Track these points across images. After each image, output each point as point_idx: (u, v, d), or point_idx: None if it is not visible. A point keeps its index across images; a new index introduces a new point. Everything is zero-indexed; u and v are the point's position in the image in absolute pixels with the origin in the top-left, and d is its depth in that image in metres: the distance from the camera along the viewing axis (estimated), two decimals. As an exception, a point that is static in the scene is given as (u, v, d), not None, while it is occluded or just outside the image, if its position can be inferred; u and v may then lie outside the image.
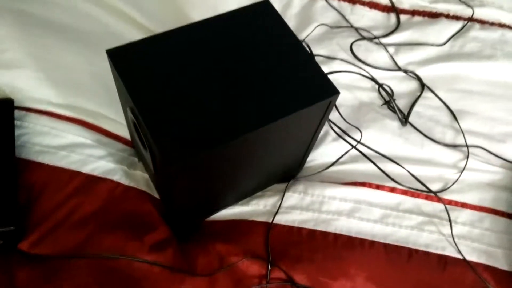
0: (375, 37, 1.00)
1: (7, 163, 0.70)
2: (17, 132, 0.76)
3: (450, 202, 0.80)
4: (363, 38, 0.99)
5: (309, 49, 0.94)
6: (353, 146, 0.81)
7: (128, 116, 0.64)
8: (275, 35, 0.64)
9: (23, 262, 0.66)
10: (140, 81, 0.56)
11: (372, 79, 0.93)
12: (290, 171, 0.80)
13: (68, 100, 0.81)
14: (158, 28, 0.92)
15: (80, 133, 0.79)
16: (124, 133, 0.82)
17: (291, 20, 1.02)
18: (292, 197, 0.77)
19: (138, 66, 0.57)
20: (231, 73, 0.59)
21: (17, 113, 0.78)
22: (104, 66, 0.85)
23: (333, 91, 0.59)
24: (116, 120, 0.82)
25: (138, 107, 0.55)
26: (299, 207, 0.76)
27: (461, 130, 0.88)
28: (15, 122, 0.76)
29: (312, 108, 0.59)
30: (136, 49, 0.59)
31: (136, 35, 0.91)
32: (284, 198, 0.77)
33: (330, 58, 0.95)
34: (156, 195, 0.77)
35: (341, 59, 0.95)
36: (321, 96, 0.59)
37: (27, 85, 0.80)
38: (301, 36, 0.99)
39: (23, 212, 0.69)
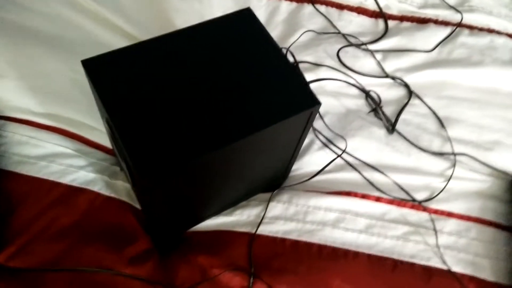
0: (363, 43, 0.99)
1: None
2: (-5, 142, 0.74)
3: (436, 212, 0.79)
4: (351, 44, 0.98)
5: (293, 57, 0.93)
6: (338, 155, 0.80)
7: (106, 127, 0.63)
8: (256, 44, 0.63)
9: (-1, 276, 0.65)
10: (115, 92, 0.55)
11: (359, 86, 0.92)
12: (274, 180, 0.79)
13: (48, 109, 0.80)
14: (143, 34, 0.91)
15: (61, 142, 0.77)
16: (106, 141, 0.81)
17: (278, 27, 1.01)
18: (276, 207, 0.76)
19: (114, 77, 0.56)
20: (210, 83, 0.58)
21: (-5, 123, 0.76)
22: (86, 74, 0.85)
23: (314, 102, 0.58)
24: (98, 129, 0.80)
25: (112, 119, 0.53)
26: (283, 217, 0.75)
27: (449, 138, 0.88)
28: (-6, 131, 0.75)
29: (293, 119, 0.58)
30: (112, 59, 0.58)
31: (120, 43, 0.90)
32: (268, 208, 0.76)
33: (317, 65, 0.94)
34: (138, 206, 0.75)
35: (328, 66, 0.93)
36: (302, 107, 0.57)
37: (7, 94, 0.79)
38: (288, 42, 0.98)
39: (0, 224, 0.67)
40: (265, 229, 0.74)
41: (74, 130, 0.79)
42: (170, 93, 0.56)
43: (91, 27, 0.91)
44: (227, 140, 0.54)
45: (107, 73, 0.56)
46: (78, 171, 0.75)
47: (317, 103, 0.58)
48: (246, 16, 0.66)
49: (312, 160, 0.82)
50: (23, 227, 0.68)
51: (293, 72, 0.61)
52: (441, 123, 0.90)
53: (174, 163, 0.51)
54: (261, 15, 1.02)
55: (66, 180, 0.73)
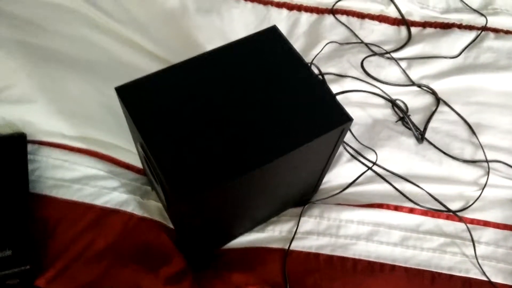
0: (386, 52, 0.98)
1: (20, 199, 0.70)
2: (30, 166, 0.76)
3: (472, 221, 0.78)
4: (374, 53, 0.98)
5: (319, 71, 0.93)
6: (369, 168, 0.79)
7: (139, 151, 0.63)
8: (284, 62, 0.63)
9: (39, 299, 0.66)
10: (149, 117, 0.56)
11: (385, 96, 0.91)
12: (305, 195, 0.78)
13: (79, 131, 0.81)
14: (165, 52, 0.92)
15: (93, 164, 0.78)
16: (136, 162, 0.82)
17: (299, 39, 1.01)
18: (308, 222, 0.76)
19: (146, 102, 0.57)
20: (242, 105, 0.58)
21: (30, 147, 0.78)
22: (114, 96, 0.86)
23: (346, 118, 0.58)
24: (127, 149, 0.81)
25: (147, 143, 0.54)
26: (315, 232, 0.75)
27: (480, 144, 0.86)
28: (28, 156, 0.77)
29: (325, 137, 0.57)
30: (144, 85, 0.59)
31: (143, 61, 0.91)
32: (299, 223, 0.75)
33: (341, 76, 0.93)
34: (170, 225, 0.76)
35: (352, 77, 0.93)
36: (334, 124, 0.57)
37: (38, 119, 0.80)
38: (311, 54, 0.98)
39: (38, 248, 0.69)
40: (298, 245, 0.74)
41: (105, 152, 0.80)
42: (203, 116, 0.57)
43: (113, 47, 0.92)
44: (262, 161, 0.54)
45: (140, 99, 0.57)
46: (111, 192, 0.76)
47: (349, 119, 0.58)
48: (272, 34, 0.66)
49: (341, 172, 0.81)
50: (61, 251, 0.69)
51: (322, 89, 0.61)
52: (471, 129, 0.88)
53: (209, 186, 0.52)
54: (282, 28, 1.02)
55: (100, 202, 0.74)
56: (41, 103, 0.81)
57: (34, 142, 0.79)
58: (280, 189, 0.68)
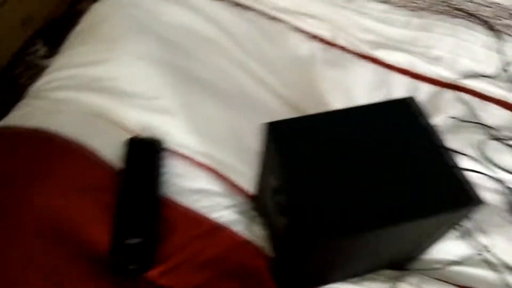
0: (506, 139, 0.98)
1: (153, 196, 0.79)
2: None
3: None
4: (494, 138, 0.98)
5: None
6: (479, 253, 0.79)
7: (268, 184, 0.69)
8: (419, 132, 0.66)
9: (148, 290, 0.73)
10: (291, 157, 0.62)
11: (501, 182, 0.90)
12: (404, 260, 0.79)
13: (205, 149, 0.89)
14: (295, 99, 0.99)
15: (211, 181, 0.86)
16: (249, 186, 0.88)
17: (419, 108, 1.04)
18: (404, 289, 0.76)
19: (291, 143, 0.63)
20: (372, 165, 0.62)
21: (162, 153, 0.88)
22: (242, 126, 0.94)
23: (477, 201, 0.59)
24: (244, 174, 0.88)
25: (287, 183, 0.59)
26: (410, 301, 0.75)
27: None
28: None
29: (452, 214, 0.60)
30: (291, 127, 0.65)
31: (272, 102, 0.99)
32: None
33: (458, 153, 0.94)
34: (270, 254, 0.80)
35: (469, 156, 0.93)
36: (463, 204, 0.59)
37: (175, 130, 0.90)
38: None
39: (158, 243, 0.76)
40: (390, 308, 0.74)
41: (224, 172, 0.87)
42: (339, 168, 0.61)
43: (247, 83, 1.01)
44: (389, 221, 0.57)
45: (286, 138, 0.63)
46: (224, 209, 0.82)
47: (479, 202, 0.60)
48: (409, 103, 0.70)
49: (445, 247, 0.80)
50: (174, 250, 0.76)
51: (455, 166, 0.63)
52: None
53: (334, 235, 0.55)
54: (400, 94, 1.06)
55: (213, 216, 0.81)
56: (180, 118, 0.91)
57: (167, 149, 0.89)
58: (388, 250, 0.70)
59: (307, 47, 1.08)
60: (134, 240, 0.71)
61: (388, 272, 0.80)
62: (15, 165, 0.79)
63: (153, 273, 0.74)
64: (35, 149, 0.81)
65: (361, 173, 0.61)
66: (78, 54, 1.00)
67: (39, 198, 0.74)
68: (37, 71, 1.56)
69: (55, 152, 0.81)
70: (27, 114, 0.89)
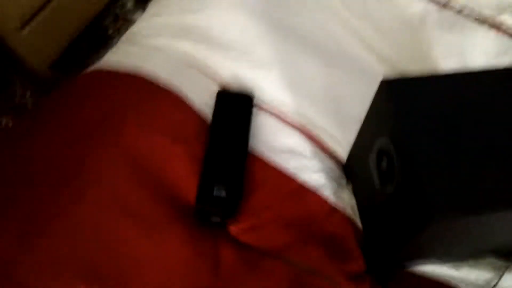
0: None
1: (242, 150, 0.76)
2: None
3: None
4: None
5: None
6: None
7: (371, 149, 0.63)
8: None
9: (229, 243, 0.71)
10: (407, 118, 0.55)
11: None
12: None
13: (298, 107, 0.84)
14: (396, 59, 0.91)
15: (301, 141, 0.81)
16: (340, 151, 0.82)
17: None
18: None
19: (409, 103, 0.56)
20: (499, 136, 0.53)
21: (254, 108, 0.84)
22: (340, 88, 0.88)
23: None
24: (336, 137, 0.82)
25: (409, 144, 0.52)
26: (517, 294, 0.66)
27: None
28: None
29: None
30: (409, 86, 0.58)
31: (371, 61, 0.91)
32: (502, 277, 0.68)
33: None
34: (359, 224, 0.75)
35: None
36: None
37: (267, 86, 0.85)
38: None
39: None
40: (493, 299, 0.66)
41: (315, 132, 0.82)
42: (457, 135, 0.53)
43: (349, 41, 0.93)
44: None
45: (402, 97, 0.56)
46: (312, 173, 0.77)
47: None
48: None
49: None
50: (258, 208, 0.73)
51: None
52: None
53: (456, 212, 0.48)
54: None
55: (301, 178, 0.76)
56: (274, 73, 0.86)
57: (257, 105, 0.85)
58: (500, 236, 0.62)
59: (419, 7, 0.97)
60: (219, 193, 0.69)
61: (492, 260, 0.71)
62: (109, 105, 0.79)
63: (235, 228, 0.72)
64: (128, 91, 0.81)
65: (486, 146, 0.53)
66: (173, 1, 0.99)
67: (129, 138, 0.74)
68: (123, 23, 1.61)
69: (148, 96, 0.80)
70: (121, 59, 0.90)
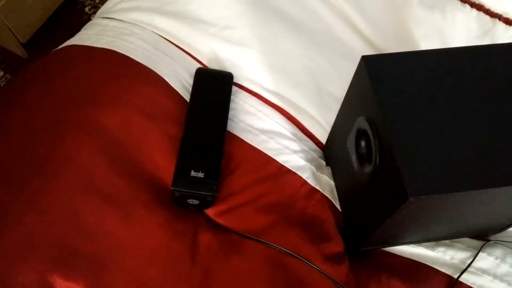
0: None
1: (220, 131, 0.74)
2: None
3: None
4: None
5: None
6: None
7: (350, 129, 0.62)
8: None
9: (207, 226, 0.70)
10: (391, 95, 0.54)
11: None
12: (489, 230, 0.71)
13: (277, 87, 0.82)
14: (381, 41, 0.89)
15: (281, 122, 0.80)
16: (319, 133, 0.81)
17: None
18: (486, 260, 0.69)
19: (390, 80, 0.55)
20: (488, 115, 0.53)
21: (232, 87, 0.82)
22: (320, 65, 0.86)
23: None
24: (315, 119, 0.81)
25: (386, 123, 0.51)
26: (492, 274, 0.68)
27: None
28: (229, 96, 0.81)
29: None
30: (391, 62, 0.56)
31: (357, 44, 0.90)
32: (476, 257, 0.69)
33: None
34: (338, 206, 0.75)
35: None
36: None
37: (247, 65, 0.83)
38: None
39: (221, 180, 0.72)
40: (468, 279, 0.67)
41: (295, 114, 0.81)
42: (447, 114, 0.52)
43: (332, 21, 0.92)
44: (500, 182, 0.48)
45: (385, 74, 0.55)
46: (291, 154, 0.76)
47: None
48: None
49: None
50: (236, 190, 0.72)
51: None
52: None
53: (434, 191, 0.47)
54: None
55: (280, 159, 0.75)
56: (254, 51, 0.84)
57: (236, 84, 0.83)
58: (475, 216, 0.62)
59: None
60: (196, 175, 0.68)
61: (467, 240, 0.72)
62: (83, 80, 0.75)
63: (213, 211, 0.71)
64: (104, 67, 0.77)
65: (469, 123, 0.52)
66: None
67: (104, 117, 0.71)
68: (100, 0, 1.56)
69: (124, 72, 0.77)
70: (97, 34, 0.86)
